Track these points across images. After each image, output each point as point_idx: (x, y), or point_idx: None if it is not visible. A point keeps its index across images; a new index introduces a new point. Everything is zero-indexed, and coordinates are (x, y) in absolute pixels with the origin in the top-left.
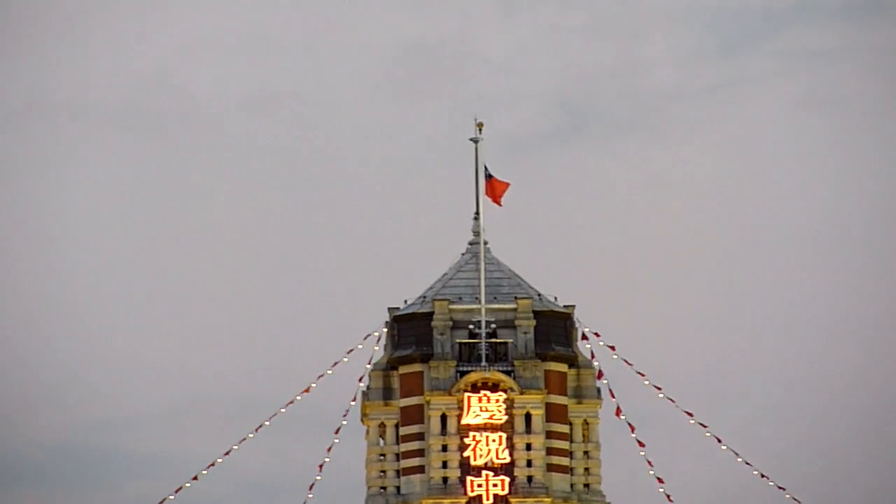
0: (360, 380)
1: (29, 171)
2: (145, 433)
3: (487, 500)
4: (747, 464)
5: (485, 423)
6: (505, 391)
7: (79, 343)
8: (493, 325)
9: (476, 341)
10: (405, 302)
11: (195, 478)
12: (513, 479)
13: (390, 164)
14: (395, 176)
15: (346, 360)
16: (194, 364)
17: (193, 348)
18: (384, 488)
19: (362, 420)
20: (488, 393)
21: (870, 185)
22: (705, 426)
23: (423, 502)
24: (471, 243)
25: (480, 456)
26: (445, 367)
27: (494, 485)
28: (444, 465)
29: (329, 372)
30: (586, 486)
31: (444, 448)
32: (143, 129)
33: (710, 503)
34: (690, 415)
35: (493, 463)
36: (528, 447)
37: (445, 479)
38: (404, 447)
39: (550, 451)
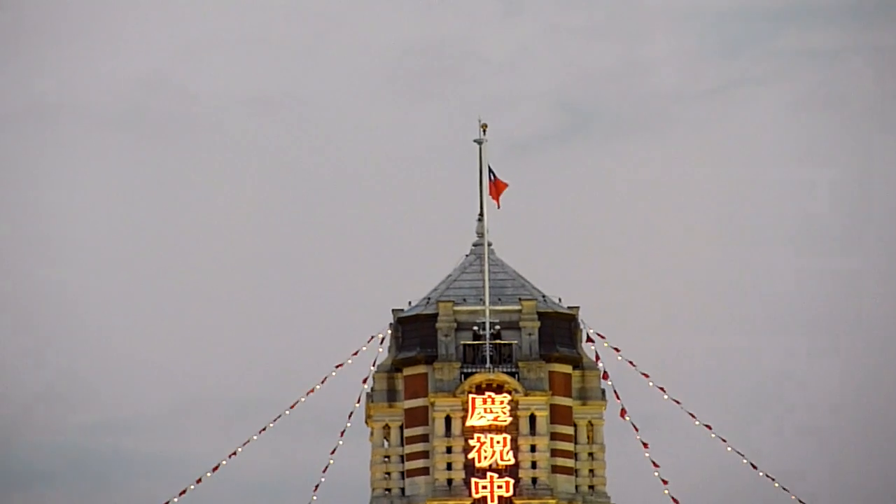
0: (365, 381)
1: (30, 172)
2: (148, 435)
3: (492, 501)
4: (752, 466)
5: (489, 425)
6: (509, 393)
7: (81, 345)
8: (498, 327)
9: (480, 343)
10: (409, 303)
11: (199, 480)
12: (517, 480)
13: (393, 166)
14: (398, 177)
15: (350, 361)
16: (198, 366)
17: (197, 350)
18: (389, 490)
19: (367, 422)
20: (493, 394)
21: (872, 185)
22: (710, 427)
23: None
24: (475, 245)
25: (485, 457)
26: (450, 368)
27: (499, 486)
28: (449, 466)
29: (333, 374)
30: (591, 487)
31: (449, 450)
32: (144, 131)
33: None
34: (695, 416)
35: (497, 464)
36: (533, 449)
37: (450, 481)
38: (409, 449)
39: (555, 453)
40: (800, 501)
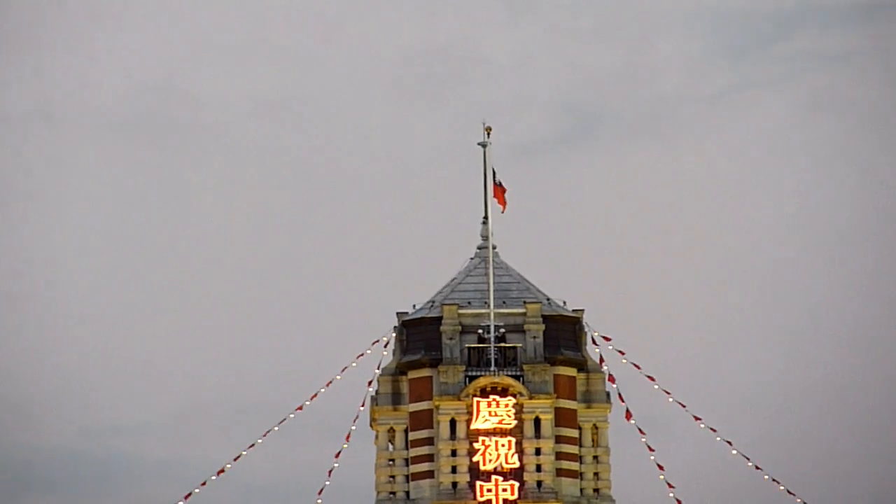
0: (369, 385)
1: (35, 176)
2: (153, 439)
3: None
4: (757, 468)
5: (494, 428)
6: (514, 396)
7: (86, 349)
8: (502, 330)
9: (485, 346)
10: (414, 307)
11: (203, 483)
12: (522, 483)
13: (398, 169)
14: (402, 181)
15: (354, 365)
16: (202, 369)
17: (201, 354)
18: (393, 493)
19: (371, 425)
20: (497, 398)
21: (879, 187)
22: (715, 430)
23: None
24: (479, 248)
25: (490, 461)
26: (454, 371)
27: (504, 490)
28: (454, 470)
29: (338, 377)
30: (596, 490)
31: (454, 453)
32: (149, 135)
33: None
34: (700, 419)
35: (502, 468)
36: (538, 452)
37: (455, 484)
38: (413, 452)
39: (560, 456)
40: None
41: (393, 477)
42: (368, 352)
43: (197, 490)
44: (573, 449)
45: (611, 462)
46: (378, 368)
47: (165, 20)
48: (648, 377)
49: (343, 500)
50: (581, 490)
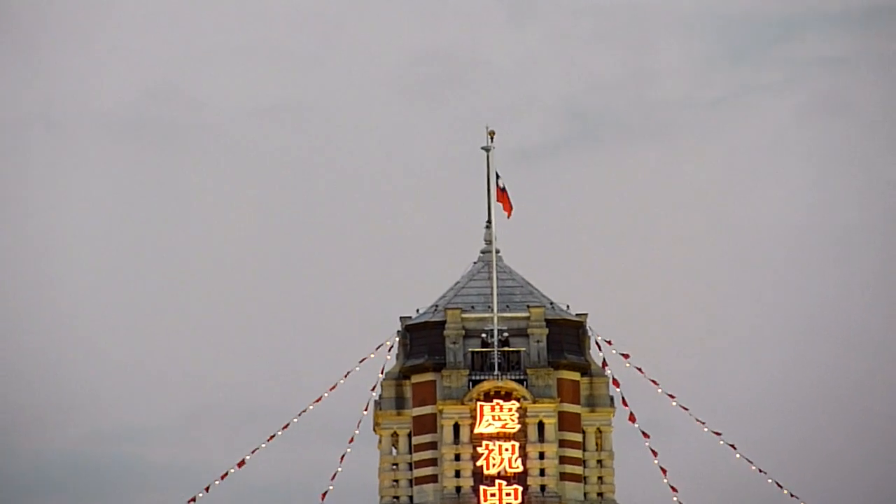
0: (373, 389)
1: (37, 180)
2: (157, 443)
3: None
4: (761, 471)
5: (497, 432)
6: (518, 400)
7: (90, 354)
8: (506, 334)
9: (488, 350)
10: (417, 311)
11: (207, 488)
12: (526, 488)
13: (401, 173)
14: (406, 185)
15: (358, 369)
16: (206, 374)
17: (205, 358)
18: (397, 498)
19: (375, 429)
20: (501, 402)
21: (881, 191)
22: (719, 434)
23: None
24: (483, 252)
25: (493, 465)
26: (458, 376)
27: (508, 494)
28: (457, 474)
29: (341, 381)
30: (600, 494)
31: (457, 457)
32: (151, 140)
33: None
34: (703, 423)
35: (506, 472)
36: (541, 456)
37: (458, 489)
38: (417, 456)
39: (563, 460)
40: None
41: (396, 481)
42: (372, 356)
43: (201, 494)
44: (577, 453)
45: (614, 466)
46: (381, 373)
47: (167, 24)
48: (652, 381)
49: None
50: (585, 494)
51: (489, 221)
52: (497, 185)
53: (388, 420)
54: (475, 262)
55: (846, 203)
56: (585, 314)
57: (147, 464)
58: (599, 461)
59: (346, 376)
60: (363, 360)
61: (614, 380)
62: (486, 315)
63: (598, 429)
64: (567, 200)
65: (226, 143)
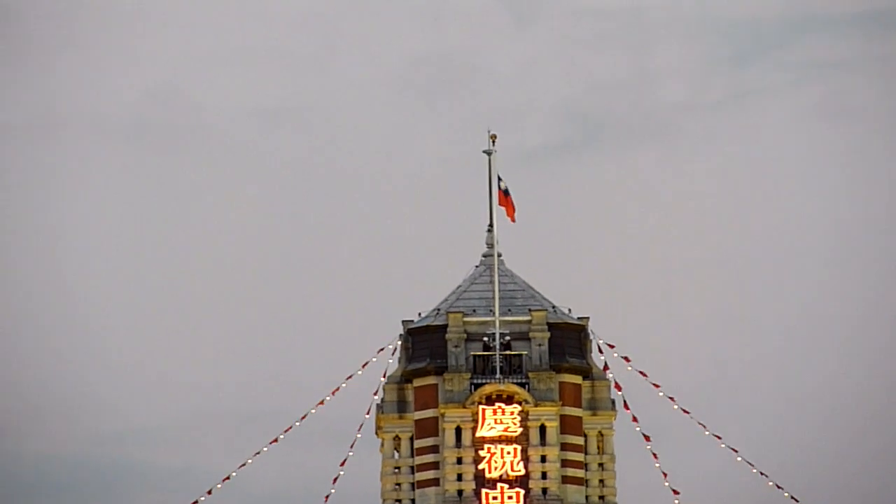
0: (375, 393)
1: (39, 183)
2: (159, 446)
3: None
4: (762, 474)
5: (499, 436)
6: (519, 403)
7: (92, 356)
8: (508, 338)
9: (490, 353)
10: (419, 315)
11: (209, 491)
12: (528, 491)
13: (403, 177)
14: (408, 188)
15: (360, 373)
16: (208, 377)
17: (207, 361)
18: (399, 501)
19: (377, 433)
20: (503, 405)
21: (884, 195)
22: (720, 437)
23: None
24: (485, 255)
25: (495, 468)
26: (460, 379)
27: (509, 497)
28: (459, 477)
29: (343, 385)
30: (601, 497)
31: (459, 461)
32: (153, 142)
33: None
34: (705, 426)
35: (507, 475)
36: (543, 459)
37: (460, 492)
38: (419, 460)
39: (565, 463)
40: None
41: (398, 485)
42: (374, 360)
43: (203, 498)
44: (578, 456)
45: (616, 469)
46: (383, 376)
47: (168, 26)
48: (653, 384)
49: None
50: (586, 497)
51: (491, 225)
52: (499, 188)
53: (390, 423)
54: (477, 266)
55: (849, 206)
56: (587, 318)
57: (149, 466)
58: (601, 464)
59: (347, 380)
60: (365, 363)
61: (616, 383)
62: (488, 319)
63: (599, 432)
64: (569, 203)
65: (227, 145)
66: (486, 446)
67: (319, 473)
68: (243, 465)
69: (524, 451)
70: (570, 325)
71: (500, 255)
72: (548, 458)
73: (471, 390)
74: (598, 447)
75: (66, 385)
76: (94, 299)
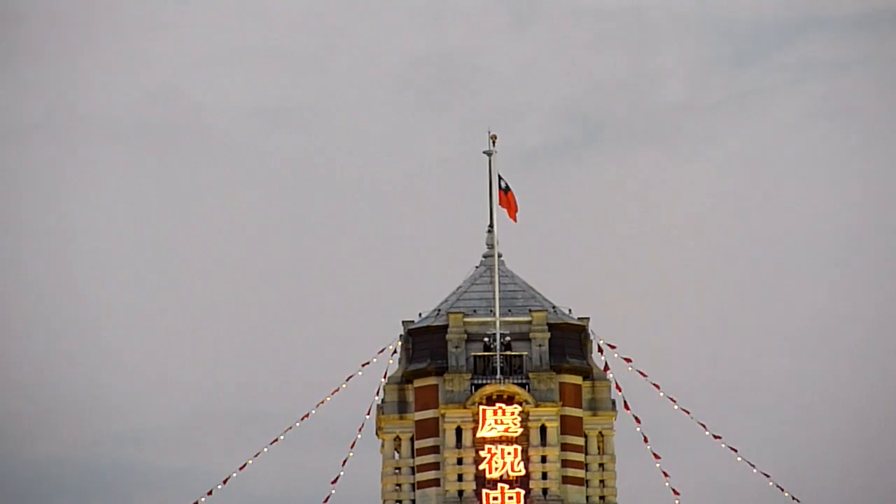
0: (376, 393)
1: (41, 185)
2: (159, 447)
3: None
4: (764, 475)
5: (500, 436)
6: (520, 404)
7: (91, 357)
8: (508, 338)
9: (491, 354)
10: (420, 315)
11: (210, 492)
12: (528, 491)
13: (403, 177)
14: (408, 189)
15: (360, 373)
16: (208, 378)
17: (207, 361)
18: (399, 502)
19: (377, 433)
20: (503, 406)
21: (885, 195)
22: (720, 437)
23: None
24: (485, 256)
25: (496, 469)
26: (460, 380)
27: (510, 497)
28: (460, 478)
29: (344, 386)
30: (602, 498)
31: (460, 461)
32: (154, 143)
33: None
34: (705, 426)
35: (508, 476)
36: (544, 460)
37: (461, 493)
38: (419, 460)
39: (566, 464)
40: None
41: (399, 485)
42: (374, 360)
43: (203, 499)
44: (579, 457)
45: (616, 469)
46: (384, 377)
47: (168, 27)
48: (654, 385)
49: None
50: (587, 497)
51: (491, 225)
52: (500, 187)
53: (390, 424)
54: (477, 266)
55: (849, 206)
56: (587, 318)
57: (149, 468)
58: (601, 465)
59: (348, 380)
60: (366, 364)
61: (616, 384)
62: (489, 319)
63: (600, 432)
64: (569, 203)
65: (227, 145)
66: (486, 447)
67: (320, 474)
68: (244, 465)
69: (525, 452)
70: (571, 326)
71: (500, 256)
72: (548, 458)
73: (471, 391)
74: (599, 447)
75: (65, 387)
76: (92, 300)
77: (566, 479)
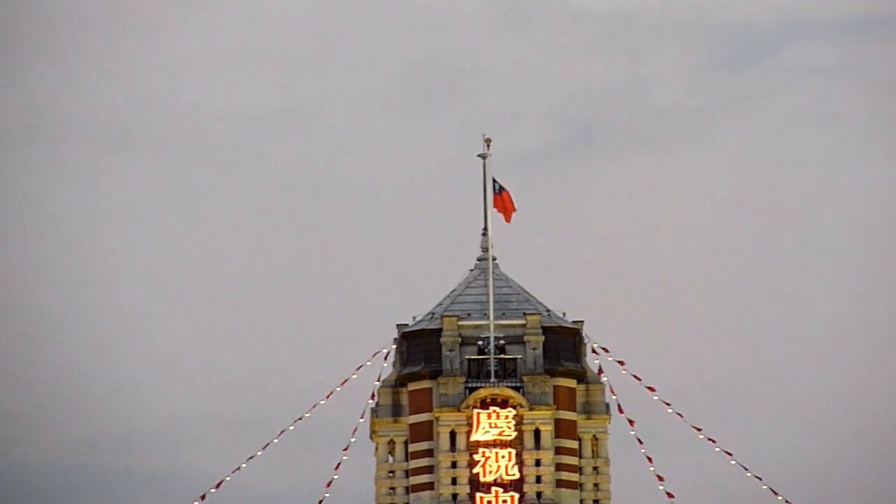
0: (371, 397)
1: (24, 191)
2: (151, 451)
3: None
4: (757, 478)
5: (494, 440)
6: (514, 407)
7: (78, 361)
8: (502, 342)
9: (485, 357)
10: (414, 318)
11: (203, 496)
12: (522, 495)
13: (397, 181)
14: (402, 192)
15: (354, 376)
16: (201, 381)
17: (201, 364)
18: None
19: (371, 437)
20: (497, 409)
21: (875, 199)
22: (714, 440)
23: None
24: (479, 259)
25: (490, 472)
26: (454, 383)
27: (504, 501)
28: (454, 481)
29: (338, 389)
30: (596, 501)
31: (454, 465)
32: (145, 148)
33: None
34: (699, 430)
35: (502, 479)
36: (538, 463)
37: (455, 496)
38: (413, 464)
39: (560, 467)
40: None
41: (393, 489)
42: (368, 363)
43: (196, 502)
44: (573, 460)
45: (610, 473)
46: (378, 380)
47: (160, 32)
48: (648, 388)
49: None
50: (581, 501)
51: (485, 229)
52: (494, 189)
53: (384, 427)
54: (471, 270)
55: (843, 209)
56: (582, 321)
57: (141, 471)
58: (595, 468)
59: (342, 384)
60: (360, 367)
61: (610, 387)
62: (483, 322)
63: (594, 436)
64: (563, 207)
65: (221, 151)
66: (480, 450)
67: (313, 477)
68: (237, 469)
69: (519, 455)
70: (565, 329)
71: (494, 259)
72: (542, 461)
73: (465, 394)
74: (593, 451)
75: (56, 390)
76: (79, 304)
77: (560, 483)
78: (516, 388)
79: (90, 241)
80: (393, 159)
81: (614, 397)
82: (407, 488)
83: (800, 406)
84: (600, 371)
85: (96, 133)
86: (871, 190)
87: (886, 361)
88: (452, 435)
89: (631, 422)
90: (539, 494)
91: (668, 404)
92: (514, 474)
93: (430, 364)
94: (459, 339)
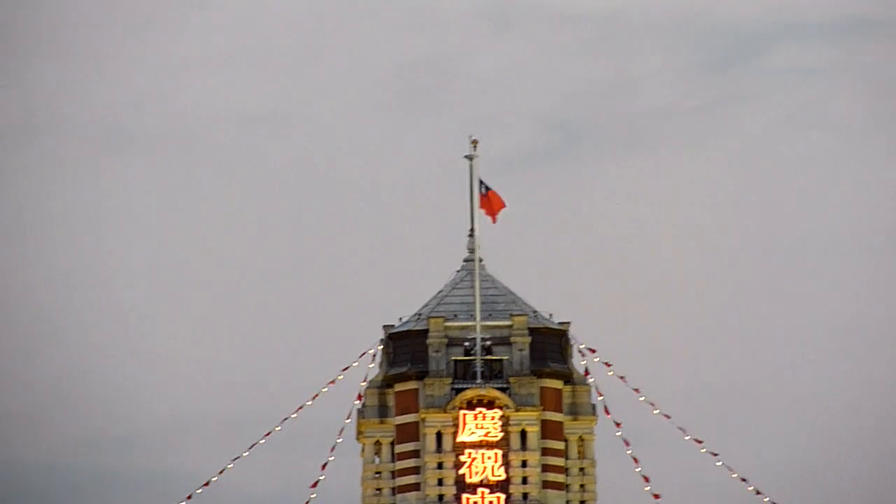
0: (357, 398)
1: (20, 192)
2: (138, 452)
3: None
4: (742, 480)
5: (480, 441)
6: (500, 408)
7: (82, 361)
8: (489, 343)
9: (471, 358)
10: (400, 319)
11: (189, 496)
12: (508, 496)
13: (384, 182)
14: (389, 193)
15: (341, 377)
16: (188, 382)
17: (188, 366)
18: None
19: (357, 438)
20: (484, 410)
21: (863, 200)
22: (700, 442)
23: None
24: (466, 260)
25: (476, 473)
26: (441, 384)
27: (490, 502)
28: (440, 482)
29: (324, 390)
30: (582, 502)
31: (440, 465)
32: (137, 150)
33: None
34: (685, 431)
35: (488, 480)
36: (524, 464)
37: (441, 497)
38: (400, 465)
39: (546, 468)
40: None
41: (379, 489)
42: (355, 364)
43: (183, 503)
44: (559, 461)
45: (597, 474)
46: (364, 381)
47: (159, 32)
48: (634, 389)
49: None
50: (567, 502)
51: (472, 230)
52: (480, 190)
53: (370, 428)
54: (458, 271)
55: (830, 210)
56: (568, 323)
57: (128, 472)
58: (582, 469)
59: (328, 385)
60: (346, 368)
61: (597, 388)
62: (469, 324)
63: (580, 437)
64: (550, 209)
65: (209, 153)
66: (466, 451)
67: (300, 478)
68: (223, 469)
69: (505, 456)
70: (551, 330)
71: (481, 260)
72: (529, 462)
73: (452, 395)
74: (579, 452)
75: (43, 391)
76: (71, 305)
77: (546, 484)
78: (503, 390)
79: (90, 241)
80: (381, 161)
81: (601, 398)
82: (393, 489)
83: (800, 406)
84: (587, 372)
85: (96, 133)
86: (870, 190)
87: (886, 361)
88: (439, 436)
89: (617, 423)
90: (525, 495)
91: (653, 405)
92: (500, 475)
93: (416, 365)
94: (446, 340)
